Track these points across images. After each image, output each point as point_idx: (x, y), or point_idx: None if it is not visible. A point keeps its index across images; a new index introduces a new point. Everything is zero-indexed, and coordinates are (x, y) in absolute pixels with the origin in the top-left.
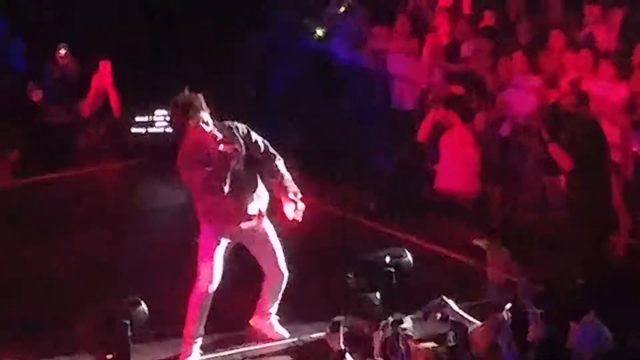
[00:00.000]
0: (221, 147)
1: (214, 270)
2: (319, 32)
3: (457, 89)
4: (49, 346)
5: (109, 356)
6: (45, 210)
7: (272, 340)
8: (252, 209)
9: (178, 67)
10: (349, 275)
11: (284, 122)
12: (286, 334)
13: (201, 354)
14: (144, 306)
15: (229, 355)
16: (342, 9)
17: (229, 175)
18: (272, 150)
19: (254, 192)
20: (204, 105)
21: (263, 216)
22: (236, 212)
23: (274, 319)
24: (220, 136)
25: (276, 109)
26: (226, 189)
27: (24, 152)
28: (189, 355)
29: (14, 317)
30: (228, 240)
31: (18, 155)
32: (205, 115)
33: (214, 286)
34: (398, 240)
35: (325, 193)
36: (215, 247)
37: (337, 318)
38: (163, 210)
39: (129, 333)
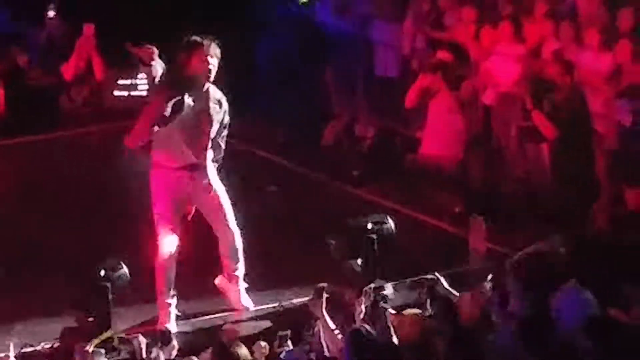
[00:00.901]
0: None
1: (171, 233)
2: None
3: (445, 56)
4: (30, 307)
5: (90, 319)
6: (26, 171)
7: (234, 310)
8: (192, 160)
9: (162, 31)
10: (331, 241)
11: (269, 89)
12: (251, 305)
13: (179, 318)
14: (125, 269)
15: (209, 319)
16: None
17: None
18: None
19: (199, 152)
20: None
21: (206, 176)
22: (177, 157)
23: (242, 286)
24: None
25: (261, 75)
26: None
27: (7, 113)
28: (167, 321)
29: None
30: (179, 197)
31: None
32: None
33: (174, 248)
34: (381, 207)
35: (309, 159)
36: (168, 206)
37: (319, 285)
38: (144, 174)
39: (110, 296)
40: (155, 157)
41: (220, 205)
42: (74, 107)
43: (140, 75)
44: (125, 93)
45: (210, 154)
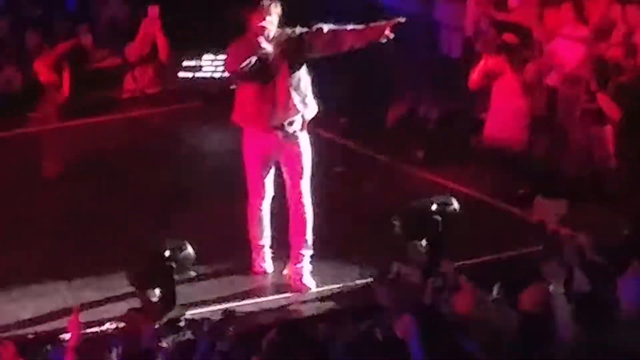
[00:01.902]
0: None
1: (260, 183)
2: None
3: (510, 37)
4: (93, 287)
5: (155, 299)
6: (91, 152)
7: (297, 291)
8: (282, 118)
9: (225, 12)
10: (396, 222)
11: (329, 68)
12: (313, 285)
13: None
14: (190, 249)
15: (274, 299)
16: None
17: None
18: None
19: (289, 103)
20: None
21: (296, 134)
22: (265, 115)
23: (307, 267)
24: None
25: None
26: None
27: (72, 94)
28: (262, 261)
29: (58, 249)
30: (265, 153)
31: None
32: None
33: (265, 199)
34: (445, 189)
35: (372, 140)
36: (255, 159)
37: (384, 267)
38: (209, 155)
39: (175, 276)
40: (242, 117)
41: (299, 168)
42: (138, 89)
43: (205, 57)
44: (189, 75)
45: (299, 112)
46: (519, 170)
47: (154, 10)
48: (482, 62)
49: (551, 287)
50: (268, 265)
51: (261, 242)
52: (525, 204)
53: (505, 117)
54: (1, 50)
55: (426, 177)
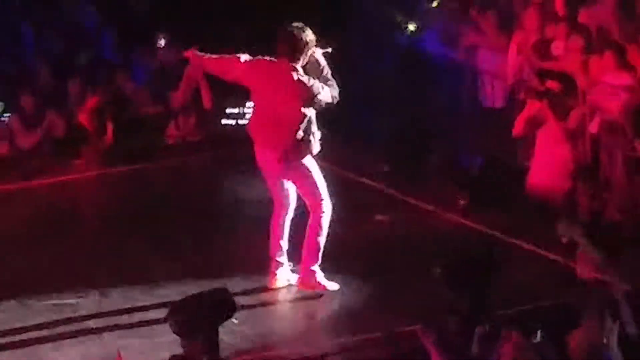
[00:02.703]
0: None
1: (281, 195)
2: (411, 26)
3: (554, 85)
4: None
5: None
6: (134, 198)
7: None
8: (277, 145)
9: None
10: (437, 270)
11: (374, 116)
12: (336, 287)
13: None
14: (231, 297)
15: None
16: (434, 4)
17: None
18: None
19: (291, 130)
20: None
21: (294, 159)
22: (262, 134)
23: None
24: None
25: (366, 102)
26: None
27: (115, 141)
28: (276, 272)
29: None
30: (268, 169)
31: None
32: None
33: (287, 210)
34: (487, 237)
35: (414, 188)
36: (264, 172)
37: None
38: (250, 202)
39: (217, 324)
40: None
41: (310, 179)
42: (181, 136)
43: (247, 104)
44: (232, 122)
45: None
46: (562, 218)
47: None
48: (525, 110)
49: (599, 334)
50: (280, 281)
51: (278, 258)
52: (568, 251)
53: (549, 164)
54: (44, 98)
55: (469, 225)
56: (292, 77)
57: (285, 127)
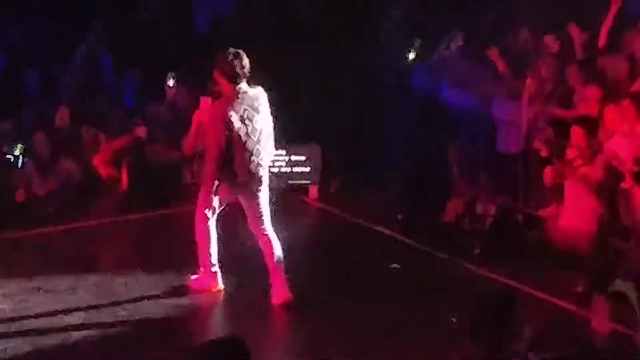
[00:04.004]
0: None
1: (209, 200)
2: (411, 55)
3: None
4: None
5: None
6: (150, 244)
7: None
8: (259, 171)
9: (285, 104)
10: (453, 319)
11: (389, 163)
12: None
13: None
14: (244, 345)
15: None
16: (450, 51)
17: (244, 143)
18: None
19: (259, 159)
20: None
21: (261, 183)
22: (241, 175)
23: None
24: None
25: (382, 149)
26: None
27: (131, 188)
28: (216, 284)
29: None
30: (227, 197)
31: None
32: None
33: (210, 214)
34: (502, 285)
35: (429, 237)
36: (213, 196)
37: None
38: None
39: None
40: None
41: (259, 208)
42: (196, 181)
43: None
44: None
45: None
46: (580, 267)
47: (206, 102)
48: (553, 162)
49: None
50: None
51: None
52: (584, 301)
53: (576, 211)
54: (60, 144)
55: (483, 274)
56: None
57: None
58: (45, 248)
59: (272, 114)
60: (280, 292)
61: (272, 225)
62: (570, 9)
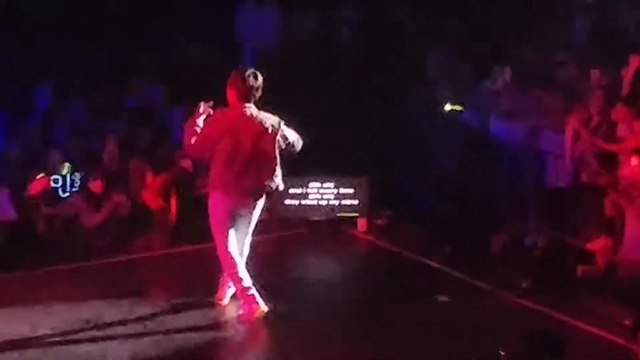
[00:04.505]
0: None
1: (227, 233)
2: (447, 107)
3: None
4: None
5: None
6: (198, 277)
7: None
8: (259, 188)
9: (332, 139)
10: (501, 352)
11: (437, 194)
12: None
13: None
14: None
15: None
16: (496, 86)
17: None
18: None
19: (267, 175)
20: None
21: (261, 197)
22: (247, 188)
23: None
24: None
25: (431, 183)
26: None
27: (180, 220)
28: (257, 307)
29: None
30: (234, 209)
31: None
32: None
33: (232, 247)
34: (550, 319)
35: (476, 269)
36: (225, 214)
37: None
38: (315, 284)
39: None
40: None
41: (249, 225)
42: None
43: (311, 184)
44: (295, 202)
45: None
46: (629, 300)
47: None
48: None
49: None
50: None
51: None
52: (632, 334)
53: (634, 243)
54: (109, 177)
55: (531, 307)
56: None
57: None
58: (95, 280)
59: (318, 145)
60: (252, 307)
61: (321, 255)
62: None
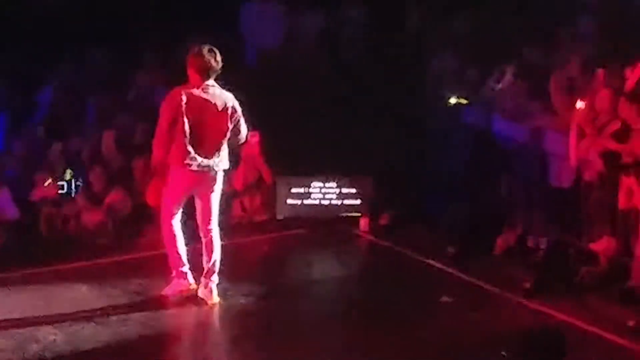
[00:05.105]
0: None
1: (175, 206)
2: (452, 100)
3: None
4: None
5: None
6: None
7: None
8: (213, 163)
9: (334, 138)
10: (503, 354)
11: (441, 197)
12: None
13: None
14: None
15: None
16: (501, 85)
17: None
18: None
19: (219, 151)
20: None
21: (216, 175)
22: (195, 162)
23: (213, 285)
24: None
25: (434, 184)
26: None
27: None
28: (188, 285)
29: None
30: (188, 186)
31: None
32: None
33: (176, 221)
34: (553, 320)
35: (479, 270)
36: (181, 189)
37: None
38: (317, 283)
39: None
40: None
41: (210, 204)
42: (246, 216)
43: (313, 184)
44: (298, 201)
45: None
46: (632, 302)
47: (253, 136)
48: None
49: None
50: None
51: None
52: (635, 336)
53: None
54: (111, 175)
55: (534, 308)
56: None
57: None
58: (97, 279)
59: (320, 145)
60: (208, 293)
61: (323, 254)
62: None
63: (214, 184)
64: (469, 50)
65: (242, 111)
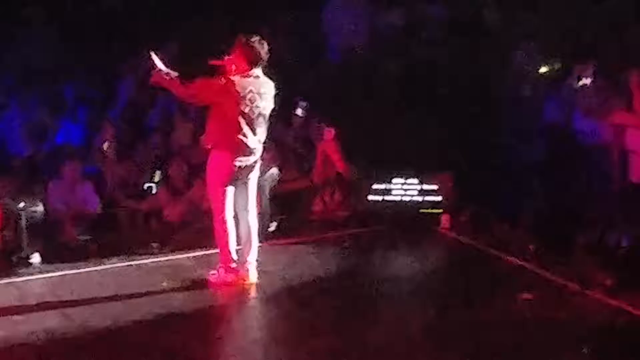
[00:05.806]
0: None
1: (225, 197)
2: (543, 69)
3: None
4: None
5: None
6: (279, 275)
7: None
8: (256, 149)
9: (415, 135)
10: (584, 351)
11: (522, 191)
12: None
13: None
14: None
15: None
16: (582, 83)
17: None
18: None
19: (262, 137)
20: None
21: (257, 161)
22: (246, 147)
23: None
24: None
25: (515, 181)
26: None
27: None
28: (247, 277)
29: None
30: (235, 172)
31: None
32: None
33: (229, 213)
34: (634, 318)
35: (560, 267)
36: (225, 176)
37: None
38: (396, 280)
39: None
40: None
41: (248, 189)
42: (327, 211)
43: (394, 180)
44: (379, 198)
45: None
46: None
47: (329, 133)
48: None
49: None
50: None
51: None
52: None
53: None
54: (192, 168)
55: (614, 305)
56: None
57: None
58: (176, 274)
59: (403, 141)
60: (246, 273)
61: (404, 250)
62: None
63: (254, 169)
64: (548, 46)
65: (324, 106)
